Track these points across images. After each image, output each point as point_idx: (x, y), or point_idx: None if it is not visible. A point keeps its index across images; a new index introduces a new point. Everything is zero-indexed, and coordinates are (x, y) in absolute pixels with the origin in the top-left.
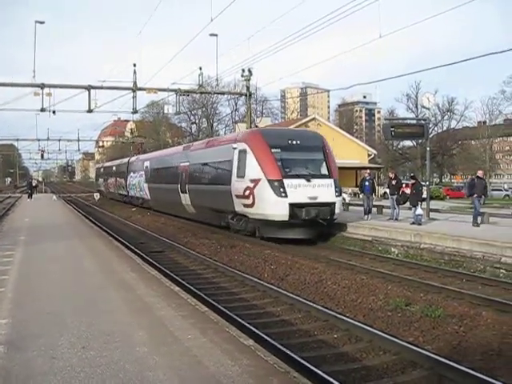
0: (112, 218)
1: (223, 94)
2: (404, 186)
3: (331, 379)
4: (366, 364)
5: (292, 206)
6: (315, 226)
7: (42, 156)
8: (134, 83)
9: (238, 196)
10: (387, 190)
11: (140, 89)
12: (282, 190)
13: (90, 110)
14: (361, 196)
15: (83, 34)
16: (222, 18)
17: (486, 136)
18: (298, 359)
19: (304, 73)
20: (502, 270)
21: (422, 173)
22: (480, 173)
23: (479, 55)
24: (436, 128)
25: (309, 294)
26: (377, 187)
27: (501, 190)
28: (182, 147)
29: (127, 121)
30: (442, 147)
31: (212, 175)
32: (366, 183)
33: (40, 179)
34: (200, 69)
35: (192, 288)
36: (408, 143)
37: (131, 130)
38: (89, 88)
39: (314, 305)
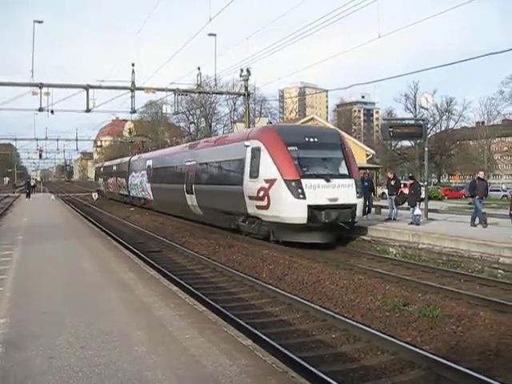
0: (110, 217)
1: (222, 93)
2: (402, 186)
3: (329, 379)
4: (364, 364)
5: (311, 208)
6: (334, 229)
7: (40, 155)
8: (133, 83)
9: (250, 197)
10: (386, 191)
11: (138, 88)
12: (299, 190)
13: (88, 110)
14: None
15: (83, 33)
16: (221, 18)
17: (485, 136)
18: (296, 359)
19: (303, 73)
20: (499, 271)
21: (420, 173)
22: (481, 174)
23: (478, 55)
24: (434, 128)
25: (307, 293)
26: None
27: (499, 191)
28: (188, 145)
29: (125, 120)
30: (441, 147)
31: (221, 175)
32: (366, 183)
33: (38, 179)
34: (198, 68)
35: (190, 288)
36: (406, 143)
37: (129, 129)
38: (87, 88)
39: (312, 305)
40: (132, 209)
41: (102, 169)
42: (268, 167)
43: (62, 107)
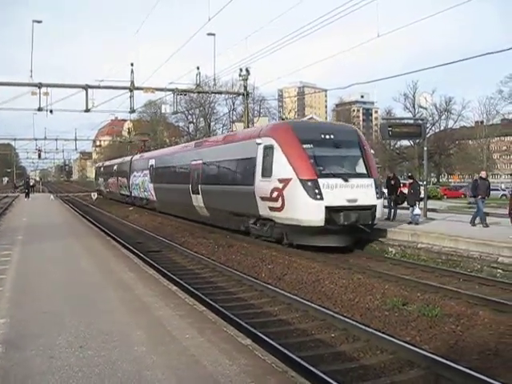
0: (109, 217)
1: (221, 93)
2: (402, 185)
3: (329, 379)
4: (363, 363)
5: (328, 209)
6: (353, 232)
7: (40, 155)
8: (132, 83)
9: (263, 198)
10: (385, 190)
11: (137, 88)
12: (316, 191)
13: (87, 110)
14: None
15: (83, 33)
16: (220, 18)
17: (484, 136)
18: (296, 359)
19: (302, 72)
20: (498, 270)
21: (419, 172)
22: (483, 173)
23: (477, 55)
24: (433, 128)
25: (306, 293)
26: None
27: (498, 190)
28: (194, 143)
29: (124, 120)
30: (440, 147)
31: (230, 174)
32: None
33: (37, 179)
34: (197, 68)
35: (190, 288)
36: (405, 143)
37: (128, 129)
38: (86, 87)
39: (312, 304)
40: (131, 208)
41: (102, 168)
42: (282, 166)
43: (61, 107)
